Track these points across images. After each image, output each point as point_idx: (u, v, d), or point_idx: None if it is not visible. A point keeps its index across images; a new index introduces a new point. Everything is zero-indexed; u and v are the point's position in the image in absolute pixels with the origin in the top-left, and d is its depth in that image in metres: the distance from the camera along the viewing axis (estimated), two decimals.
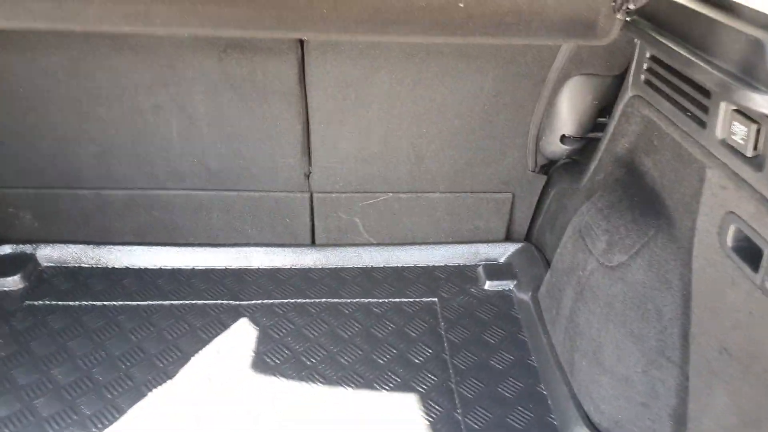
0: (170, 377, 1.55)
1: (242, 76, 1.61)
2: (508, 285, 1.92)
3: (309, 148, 1.79)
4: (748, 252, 1.02)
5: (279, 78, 1.61)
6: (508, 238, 2.06)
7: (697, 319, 1.19)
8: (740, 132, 0.95)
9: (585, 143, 1.72)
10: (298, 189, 1.89)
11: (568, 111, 1.65)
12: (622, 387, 1.34)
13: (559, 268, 1.59)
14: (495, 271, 1.96)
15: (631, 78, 1.38)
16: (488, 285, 1.92)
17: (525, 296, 1.84)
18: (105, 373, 1.55)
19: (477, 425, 1.46)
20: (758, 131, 0.92)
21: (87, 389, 1.50)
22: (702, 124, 1.07)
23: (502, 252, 2.03)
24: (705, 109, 1.05)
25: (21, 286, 1.82)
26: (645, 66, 1.30)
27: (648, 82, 1.32)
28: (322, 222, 1.97)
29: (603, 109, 1.63)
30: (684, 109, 1.14)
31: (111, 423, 1.42)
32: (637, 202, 1.35)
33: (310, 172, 1.85)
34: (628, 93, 1.39)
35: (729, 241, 1.05)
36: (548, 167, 1.92)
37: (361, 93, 1.68)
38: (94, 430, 1.40)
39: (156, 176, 1.83)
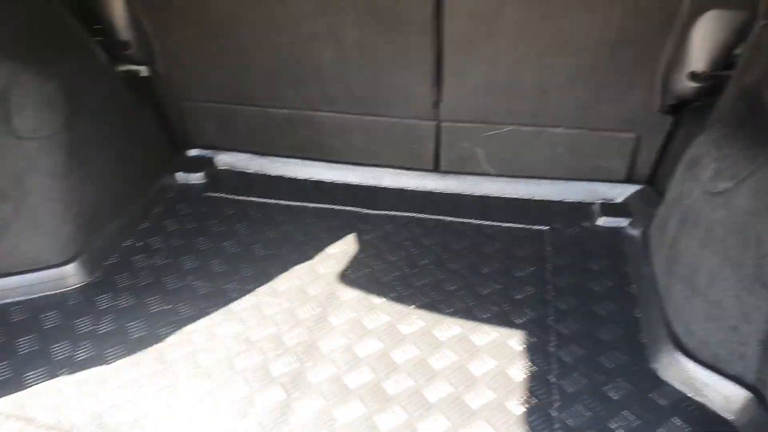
0: (310, 258, 1.89)
1: (386, 8, 1.83)
2: (621, 222, 1.97)
3: (440, 78, 1.98)
4: None
5: (417, 9, 1.82)
6: (630, 179, 2.08)
7: None
8: None
9: (716, 82, 1.69)
10: (427, 117, 2.10)
11: (700, 47, 1.64)
12: (714, 310, 1.38)
13: (668, 199, 1.63)
14: (610, 208, 2.02)
15: (765, 6, 1.36)
16: (601, 221, 1.99)
17: (636, 233, 1.89)
18: (262, 249, 1.94)
19: (566, 332, 1.60)
20: None
21: (247, 258, 1.90)
22: None
23: (621, 192, 2.07)
24: None
25: (202, 181, 2.28)
26: None
27: None
28: (446, 150, 2.16)
29: (736, 46, 1.60)
30: None
31: (263, 284, 1.79)
32: (752, 133, 1.35)
33: (440, 101, 2.04)
34: (760, 21, 1.37)
35: None
36: (678, 108, 1.90)
37: (491, 25, 1.82)
38: (249, 286, 1.78)
39: (310, 99, 2.15)
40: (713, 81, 1.69)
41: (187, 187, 2.26)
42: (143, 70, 2.27)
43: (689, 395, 1.41)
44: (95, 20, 2.03)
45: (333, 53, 1.98)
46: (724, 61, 1.65)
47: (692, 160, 1.50)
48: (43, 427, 1.38)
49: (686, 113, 1.89)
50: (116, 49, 2.06)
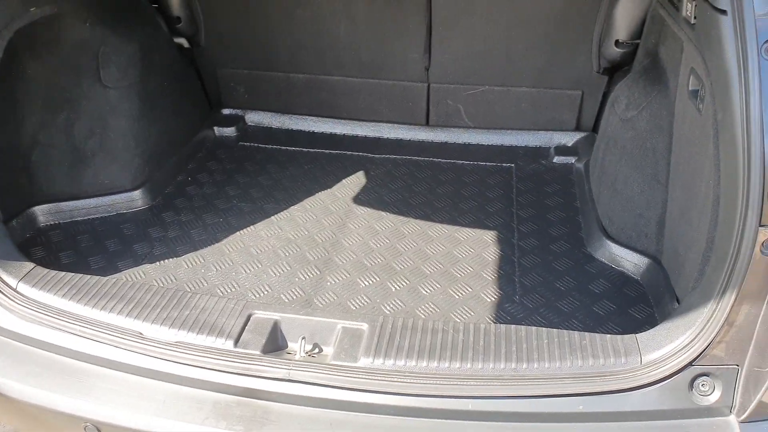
0: (329, 187, 2.41)
1: None
2: (570, 160, 2.53)
3: (430, 46, 2.52)
4: (697, 93, 1.58)
5: None
6: (578, 128, 2.64)
7: (675, 150, 1.77)
8: (689, 7, 1.52)
9: (635, 48, 2.26)
10: (420, 80, 2.63)
11: (621, 21, 2.20)
12: (627, 203, 1.95)
13: (599, 133, 2.19)
14: (562, 150, 2.58)
15: None
16: (556, 159, 2.55)
17: (581, 165, 2.46)
18: (289, 182, 2.44)
19: (525, 230, 2.14)
20: (695, 5, 1.48)
21: (278, 187, 2.39)
22: (678, 9, 1.63)
23: (571, 138, 2.63)
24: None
25: (235, 134, 2.77)
26: None
27: None
28: (435, 107, 2.70)
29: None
30: (672, 3, 1.70)
31: (293, 204, 2.30)
32: (650, 76, 1.92)
33: (429, 66, 2.58)
34: (654, 0, 1.95)
35: (689, 86, 1.61)
36: (611, 71, 2.47)
37: (468, 5, 2.37)
38: (282, 205, 2.28)
39: (325, 65, 2.67)
40: (633, 47, 2.25)
41: (223, 138, 2.75)
42: (184, 42, 2.76)
43: (612, 266, 1.97)
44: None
45: (346, 26, 2.51)
46: (638, 32, 2.22)
47: (613, 99, 2.07)
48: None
49: (617, 74, 2.46)
50: (169, 24, 2.55)
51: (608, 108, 2.12)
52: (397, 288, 1.90)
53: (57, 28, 1.96)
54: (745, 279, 1.25)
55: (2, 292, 1.55)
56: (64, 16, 1.96)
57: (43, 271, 1.64)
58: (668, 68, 1.80)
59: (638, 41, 2.19)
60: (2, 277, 1.57)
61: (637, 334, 1.46)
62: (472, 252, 2.05)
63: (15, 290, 1.57)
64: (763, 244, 1.24)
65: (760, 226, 1.22)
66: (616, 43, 2.26)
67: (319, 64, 2.67)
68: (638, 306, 1.81)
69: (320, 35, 2.57)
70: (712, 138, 1.35)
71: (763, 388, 1.35)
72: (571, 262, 2.00)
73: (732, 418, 1.39)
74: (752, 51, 1.20)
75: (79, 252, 2.01)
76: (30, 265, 1.65)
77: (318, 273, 1.95)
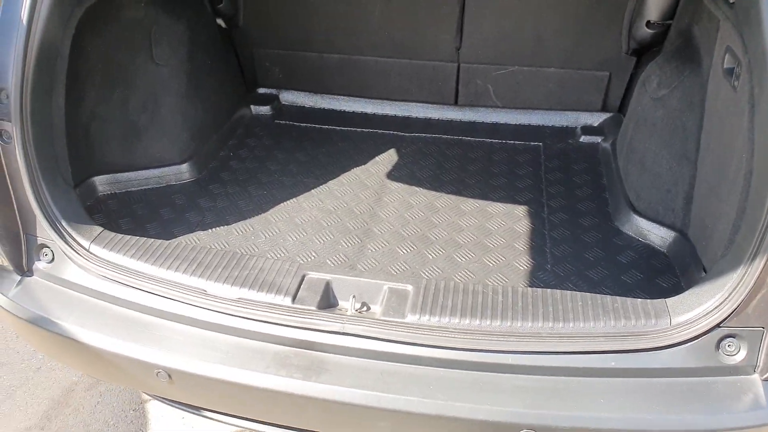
0: (363, 163, 2.52)
1: None
2: (597, 139, 2.62)
3: (462, 27, 2.60)
4: (732, 71, 1.66)
5: None
6: (604, 109, 2.72)
7: (706, 128, 1.85)
8: None
9: (665, 29, 2.33)
10: (450, 60, 2.72)
11: (653, 1, 2.27)
12: (656, 180, 2.04)
13: (628, 112, 2.28)
14: (589, 129, 2.66)
15: None
16: (582, 138, 2.64)
17: (607, 145, 2.54)
18: (324, 158, 2.55)
19: (554, 205, 2.24)
20: None
21: (315, 164, 2.50)
22: None
23: (598, 119, 2.72)
24: None
25: (271, 112, 2.88)
26: None
27: None
28: (464, 87, 2.79)
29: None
30: None
31: (330, 179, 2.41)
32: (683, 56, 2.00)
33: (460, 47, 2.66)
34: None
35: (725, 64, 1.69)
36: (639, 52, 2.54)
37: None
38: (320, 180, 2.39)
39: (359, 46, 2.76)
40: (664, 28, 2.32)
41: (259, 117, 2.87)
42: (222, 23, 2.86)
43: (639, 239, 2.07)
44: None
45: (381, 8, 2.60)
46: (671, 13, 2.28)
47: (644, 79, 2.15)
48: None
49: (645, 56, 2.53)
50: (212, 4, 2.65)
51: (638, 88, 2.20)
52: (434, 256, 2.01)
53: (116, 8, 2.07)
54: None
55: (77, 252, 1.68)
56: None
57: (110, 234, 1.77)
58: (702, 47, 1.87)
59: (670, 22, 2.26)
60: (76, 238, 1.71)
61: (666, 299, 1.56)
62: (503, 225, 2.15)
63: (88, 251, 1.70)
64: None
65: None
66: (648, 23, 2.33)
67: (352, 44, 2.76)
68: (665, 276, 1.91)
69: (355, 17, 2.66)
70: (747, 113, 1.44)
71: None
72: (599, 235, 2.10)
73: (756, 377, 1.49)
74: None
75: (136, 219, 2.14)
76: (99, 228, 1.78)
77: (359, 241, 2.07)
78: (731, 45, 1.60)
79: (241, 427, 2.00)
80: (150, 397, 2.40)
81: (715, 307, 1.46)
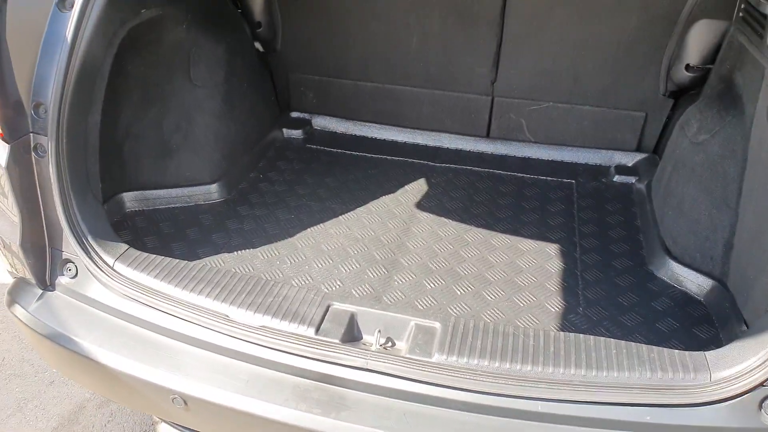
0: (392, 192, 2.49)
1: (465, 6, 2.46)
2: (631, 179, 2.56)
3: (498, 62, 2.59)
4: None
5: (489, 8, 2.44)
6: (639, 149, 2.67)
7: (748, 176, 1.79)
8: None
9: (705, 73, 2.29)
10: (484, 93, 2.70)
11: (694, 46, 2.24)
12: (693, 225, 1.97)
13: (665, 155, 2.22)
14: (623, 169, 2.61)
15: (734, 16, 1.97)
16: (616, 178, 2.58)
17: (642, 186, 2.48)
18: (354, 185, 2.54)
19: (587, 246, 2.18)
20: None
21: (344, 189, 2.49)
22: (762, 36, 1.67)
23: (631, 159, 2.66)
24: (763, 27, 1.65)
25: (302, 136, 2.89)
26: (742, 6, 1.89)
27: (743, 18, 1.91)
28: (497, 120, 2.76)
29: (719, 46, 2.20)
30: (755, 31, 1.74)
31: (359, 206, 2.38)
32: (724, 102, 1.95)
33: (495, 80, 2.65)
34: (732, 27, 1.98)
35: None
36: (677, 94, 2.49)
37: (542, 23, 2.44)
38: (349, 206, 2.37)
39: (393, 75, 2.77)
40: (703, 72, 2.28)
41: (291, 140, 2.87)
42: (260, 47, 2.90)
43: (675, 285, 1.99)
44: (238, 5, 2.66)
45: (419, 40, 2.60)
46: (711, 57, 2.24)
47: (683, 122, 2.10)
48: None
49: (683, 98, 2.49)
50: (251, 28, 2.68)
51: (677, 131, 2.15)
52: (462, 292, 1.96)
53: (158, 29, 2.10)
54: None
55: (101, 269, 1.67)
56: (166, 18, 2.10)
57: (135, 252, 1.76)
58: (745, 94, 1.83)
59: (710, 66, 2.22)
60: (101, 255, 1.70)
61: (705, 352, 1.49)
62: (534, 263, 2.10)
63: (112, 268, 1.69)
64: None
65: None
66: (687, 67, 2.29)
67: (387, 74, 2.77)
68: (702, 326, 1.83)
69: (392, 47, 2.67)
70: None
71: None
72: (634, 279, 2.03)
73: None
74: None
75: (162, 237, 2.14)
76: (124, 246, 1.78)
77: (386, 272, 2.03)
78: None
79: None
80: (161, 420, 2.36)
81: (759, 365, 1.38)
